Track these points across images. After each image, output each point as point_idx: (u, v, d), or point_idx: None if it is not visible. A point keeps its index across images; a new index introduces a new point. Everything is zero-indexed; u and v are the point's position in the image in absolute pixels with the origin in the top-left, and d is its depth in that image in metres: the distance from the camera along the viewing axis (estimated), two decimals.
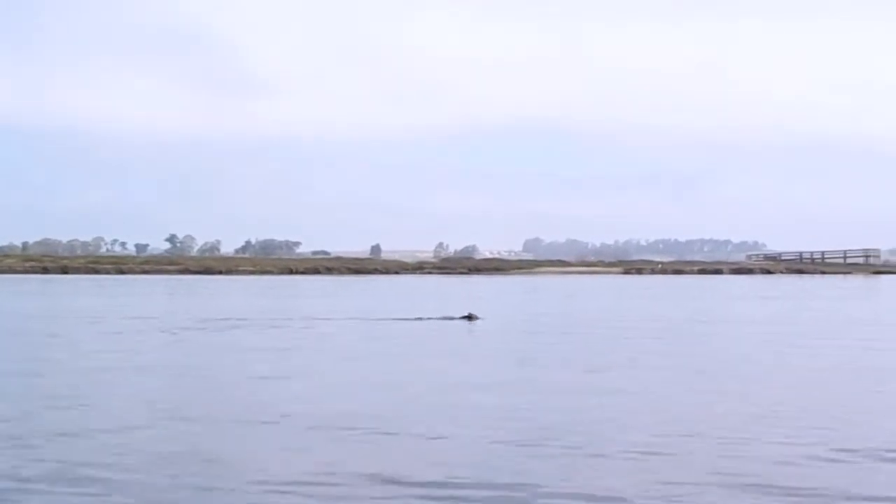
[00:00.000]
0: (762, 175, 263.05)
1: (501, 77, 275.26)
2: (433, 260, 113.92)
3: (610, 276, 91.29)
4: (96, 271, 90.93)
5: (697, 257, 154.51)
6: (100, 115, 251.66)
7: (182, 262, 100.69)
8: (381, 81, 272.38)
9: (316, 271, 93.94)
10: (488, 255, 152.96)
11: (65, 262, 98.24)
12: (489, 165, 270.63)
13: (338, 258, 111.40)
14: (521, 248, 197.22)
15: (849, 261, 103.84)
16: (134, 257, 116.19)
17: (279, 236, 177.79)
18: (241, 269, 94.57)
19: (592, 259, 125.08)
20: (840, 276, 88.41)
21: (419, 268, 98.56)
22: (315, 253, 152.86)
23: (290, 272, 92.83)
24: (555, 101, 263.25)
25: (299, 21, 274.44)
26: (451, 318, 27.46)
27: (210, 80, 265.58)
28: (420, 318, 27.78)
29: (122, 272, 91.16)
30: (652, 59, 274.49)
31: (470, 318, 27.48)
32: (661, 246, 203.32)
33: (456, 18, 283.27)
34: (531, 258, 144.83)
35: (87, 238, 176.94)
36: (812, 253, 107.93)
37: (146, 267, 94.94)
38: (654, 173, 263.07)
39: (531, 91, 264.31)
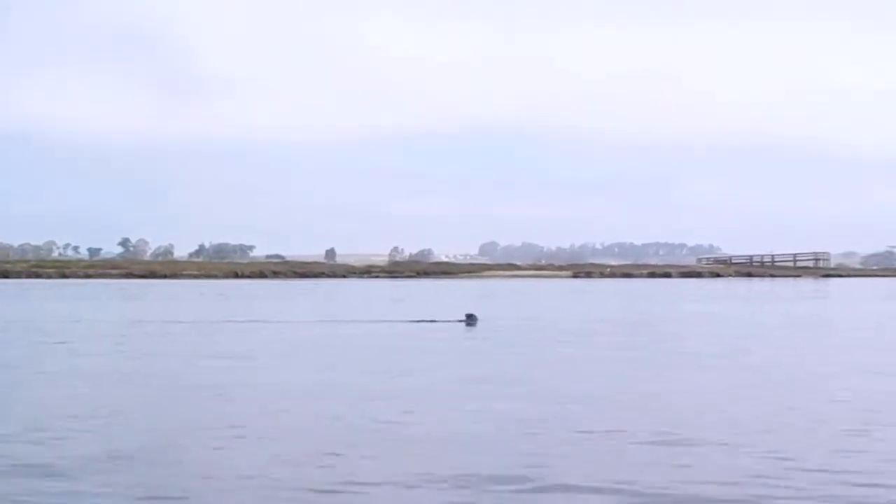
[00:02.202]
0: (717, 179, 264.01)
1: (457, 80, 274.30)
2: (381, 263, 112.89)
3: (558, 279, 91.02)
4: (38, 275, 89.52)
5: (653, 261, 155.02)
6: (52, 117, 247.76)
7: (126, 265, 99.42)
8: (337, 84, 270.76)
9: (262, 275, 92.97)
10: (444, 259, 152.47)
11: (7, 266, 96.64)
12: (446, 169, 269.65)
13: (285, 262, 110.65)
14: (476, 252, 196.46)
15: (799, 264, 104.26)
16: (78, 261, 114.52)
17: (233, 240, 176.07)
18: (186, 272, 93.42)
19: (543, 262, 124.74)
20: (789, 280, 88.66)
21: (367, 272, 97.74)
22: (269, 257, 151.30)
23: (236, 276, 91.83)
24: (510, 105, 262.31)
25: (254, 23, 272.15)
26: (450, 322, 27.32)
27: (164, 83, 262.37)
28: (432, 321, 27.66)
29: (65, 276, 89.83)
30: (607, 64, 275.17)
31: (470, 319, 27.52)
32: (616, 249, 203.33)
33: (412, 21, 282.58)
34: (487, 262, 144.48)
35: (39, 242, 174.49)
36: (762, 256, 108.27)
37: (90, 271, 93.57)
38: (611, 177, 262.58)
39: (487, 95, 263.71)
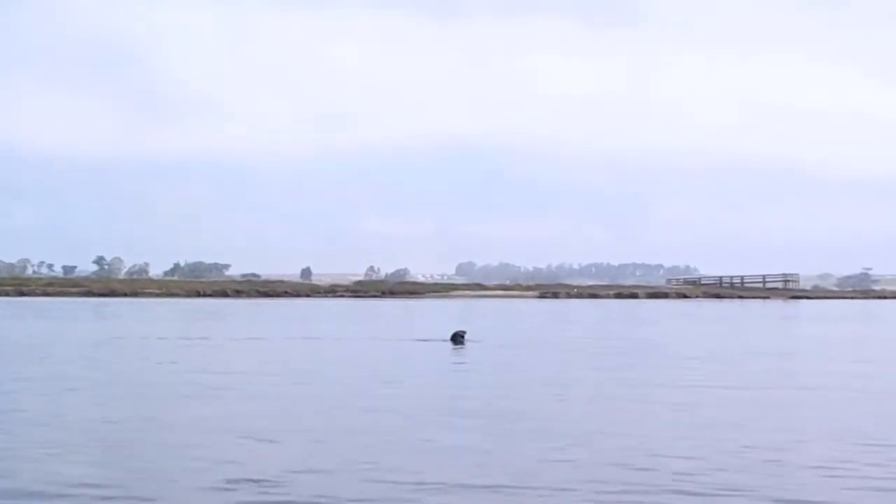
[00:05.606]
0: (695, 200, 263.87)
1: (436, 100, 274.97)
2: (348, 284, 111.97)
3: (524, 299, 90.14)
4: None
5: (629, 281, 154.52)
6: (27, 134, 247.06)
7: (87, 284, 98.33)
8: (314, 103, 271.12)
9: (224, 294, 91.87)
10: (420, 279, 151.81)
11: None
12: (423, 189, 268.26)
13: (248, 281, 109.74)
14: (454, 272, 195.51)
15: (768, 285, 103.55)
16: (38, 279, 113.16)
17: (209, 259, 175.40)
18: (147, 291, 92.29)
19: (508, 283, 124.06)
20: (758, 301, 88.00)
21: (331, 291, 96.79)
22: (245, 275, 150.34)
23: (198, 295, 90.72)
24: (487, 125, 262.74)
25: (227, 43, 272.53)
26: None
27: (140, 101, 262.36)
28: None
29: (22, 294, 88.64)
30: (583, 84, 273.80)
31: (457, 338, 26.71)
32: (593, 270, 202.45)
33: (386, 42, 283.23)
34: (460, 281, 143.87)
35: (13, 260, 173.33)
36: (732, 277, 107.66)
37: (48, 289, 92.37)
38: (588, 198, 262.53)
39: (462, 115, 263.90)
